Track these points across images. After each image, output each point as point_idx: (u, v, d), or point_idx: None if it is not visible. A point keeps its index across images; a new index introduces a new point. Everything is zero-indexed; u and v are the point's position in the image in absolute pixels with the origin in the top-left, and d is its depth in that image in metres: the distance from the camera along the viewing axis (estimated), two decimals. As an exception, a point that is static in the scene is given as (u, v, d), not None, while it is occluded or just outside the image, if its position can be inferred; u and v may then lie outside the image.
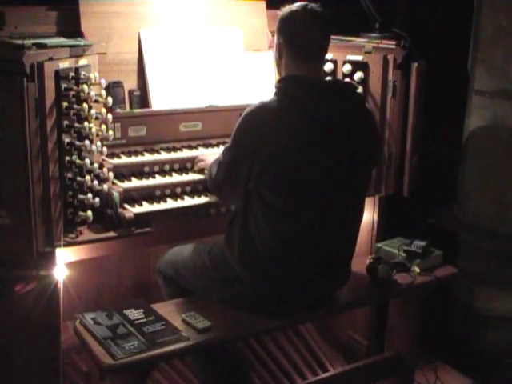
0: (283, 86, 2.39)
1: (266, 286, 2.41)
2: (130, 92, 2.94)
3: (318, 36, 2.41)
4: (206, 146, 3.00)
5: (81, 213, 2.41)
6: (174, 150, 2.92)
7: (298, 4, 2.42)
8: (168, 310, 2.46)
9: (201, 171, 2.79)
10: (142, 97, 2.96)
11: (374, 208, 3.18)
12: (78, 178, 2.40)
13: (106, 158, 2.70)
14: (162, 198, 2.69)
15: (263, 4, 3.32)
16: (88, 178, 2.41)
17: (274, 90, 2.42)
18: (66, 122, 2.34)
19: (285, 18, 2.42)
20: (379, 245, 3.01)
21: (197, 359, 2.64)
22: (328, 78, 2.50)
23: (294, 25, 2.39)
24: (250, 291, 2.42)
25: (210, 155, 2.78)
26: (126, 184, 2.66)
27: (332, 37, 3.15)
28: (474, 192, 3.67)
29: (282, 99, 2.35)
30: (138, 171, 2.76)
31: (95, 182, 2.48)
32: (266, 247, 2.36)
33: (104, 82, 2.55)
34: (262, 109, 2.36)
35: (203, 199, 2.73)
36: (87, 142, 2.41)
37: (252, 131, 2.34)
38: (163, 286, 2.79)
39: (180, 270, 2.67)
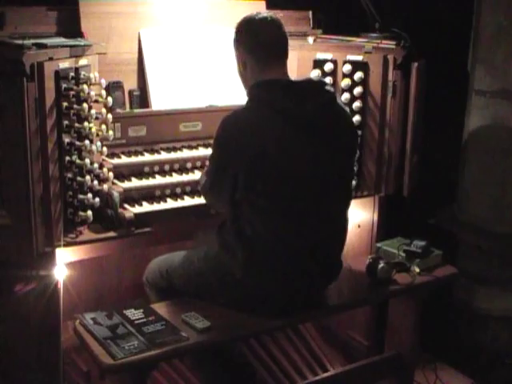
0: (256, 91, 2.41)
1: (268, 286, 2.42)
2: (130, 92, 2.94)
3: (276, 34, 2.44)
4: (206, 146, 3.00)
5: (81, 213, 2.41)
6: (174, 150, 2.92)
7: (245, 16, 2.48)
8: (168, 310, 2.46)
9: None
10: (142, 97, 2.96)
11: (374, 208, 3.18)
12: (78, 178, 2.40)
13: (106, 158, 2.70)
14: (162, 198, 2.69)
15: (263, 4, 3.33)
16: (88, 177, 2.41)
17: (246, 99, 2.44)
18: (66, 122, 2.35)
19: (241, 29, 2.46)
20: (379, 245, 3.01)
21: (201, 360, 2.64)
22: (295, 78, 2.53)
23: (252, 29, 2.43)
24: (251, 294, 2.43)
25: None
26: (126, 184, 2.66)
27: (332, 37, 3.18)
28: (473, 192, 3.67)
29: (257, 104, 2.37)
30: (138, 171, 2.77)
31: (95, 182, 2.48)
32: (267, 249, 2.37)
33: (104, 82, 2.55)
34: (239, 117, 2.37)
35: (203, 199, 2.72)
36: (87, 141, 2.41)
37: (232, 140, 2.35)
38: (154, 296, 2.72)
39: (173, 279, 2.62)
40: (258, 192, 2.33)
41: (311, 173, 2.37)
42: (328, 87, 2.47)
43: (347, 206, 2.55)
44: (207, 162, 2.83)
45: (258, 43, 2.42)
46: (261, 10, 3.31)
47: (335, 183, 2.46)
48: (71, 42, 2.49)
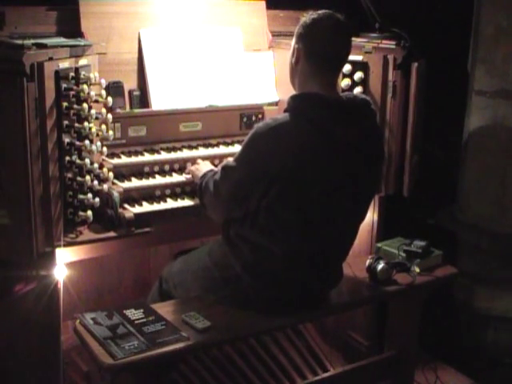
0: (298, 104, 2.34)
1: (269, 288, 2.43)
2: (130, 92, 2.94)
3: (340, 47, 2.36)
4: (206, 146, 3.00)
5: (81, 213, 2.41)
6: (174, 150, 2.92)
7: (322, 12, 2.36)
8: (168, 309, 2.46)
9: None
10: (142, 97, 2.96)
11: (374, 208, 3.17)
12: (78, 178, 2.40)
13: (106, 158, 2.70)
14: (161, 198, 2.69)
15: (263, 4, 3.33)
16: (88, 177, 2.41)
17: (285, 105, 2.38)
18: (66, 122, 2.35)
19: (308, 25, 2.35)
20: (379, 245, 3.01)
21: None
22: (344, 94, 2.47)
23: (317, 34, 2.33)
24: (251, 290, 2.43)
25: (203, 164, 2.78)
26: (126, 184, 2.66)
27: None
28: (473, 192, 3.67)
29: (298, 119, 2.30)
30: (138, 171, 2.77)
31: (95, 182, 2.48)
32: (276, 256, 2.38)
33: (104, 82, 2.55)
34: (278, 129, 2.29)
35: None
36: (87, 141, 2.41)
37: (269, 153, 2.28)
38: (158, 294, 2.74)
39: (187, 281, 2.62)
40: (286, 205, 2.31)
41: (339, 194, 2.37)
42: (372, 107, 2.45)
43: (360, 224, 2.57)
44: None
45: (317, 49, 2.33)
46: (261, 9, 3.32)
47: (357, 207, 2.48)
48: (71, 41, 2.49)
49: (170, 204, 2.68)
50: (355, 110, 2.39)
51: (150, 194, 2.70)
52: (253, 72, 3.23)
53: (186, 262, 2.70)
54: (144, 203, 2.64)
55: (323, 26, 2.33)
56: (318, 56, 2.35)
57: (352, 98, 2.44)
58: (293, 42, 2.43)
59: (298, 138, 2.28)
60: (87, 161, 2.41)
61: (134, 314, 2.40)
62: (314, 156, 2.29)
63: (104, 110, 2.54)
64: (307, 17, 2.38)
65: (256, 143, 2.33)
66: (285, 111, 2.36)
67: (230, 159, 2.45)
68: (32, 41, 2.26)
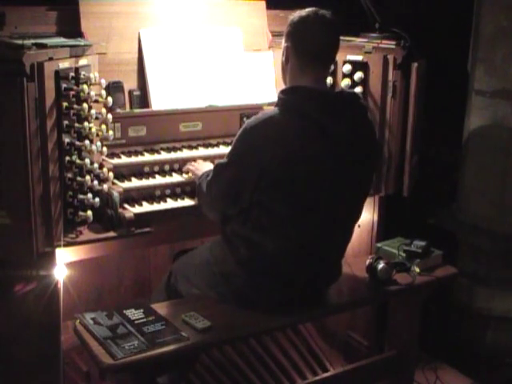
0: (288, 98, 2.35)
1: (264, 285, 2.43)
2: (130, 92, 2.94)
3: (328, 42, 2.38)
4: (206, 146, 3.00)
5: (81, 213, 2.41)
6: (174, 150, 2.92)
7: (308, 9, 2.39)
8: (168, 310, 2.46)
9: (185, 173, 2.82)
10: (142, 97, 2.96)
11: (374, 208, 3.18)
12: (78, 178, 2.40)
13: (106, 158, 2.70)
14: (162, 198, 2.69)
15: (263, 4, 3.33)
16: (88, 177, 2.41)
17: (276, 100, 2.38)
18: (65, 122, 2.35)
19: (295, 23, 2.38)
20: (379, 245, 3.01)
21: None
22: (336, 90, 2.46)
23: (305, 30, 2.36)
24: (248, 287, 2.44)
25: (203, 164, 2.79)
26: (126, 184, 2.66)
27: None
28: (473, 192, 3.67)
29: (287, 111, 2.31)
30: (138, 171, 2.77)
31: (95, 182, 2.48)
32: (269, 252, 2.38)
33: (104, 82, 2.55)
34: (268, 122, 2.31)
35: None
36: (87, 142, 2.41)
37: (260, 146, 2.29)
38: (164, 287, 2.76)
39: (190, 275, 2.63)
40: (277, 199, 2.32)
41: (331, 188, 2.37)
42: (361, 101, 2.46)
43: (356, 221, 2.57)
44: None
45: (304, 45, 2.36)
46: (261, 9, 3.32)
47: (351, 201, 2.48)
48: (71, 41, 2.49)
49: (170, 204, 2.68)
50: (343, 102, 2.40)
51: (150, 194, 2.70)
52: (253, 72, 3.23)
53: (192, 256, 2.72)
54: (144, 203, 2.64)
55: (310, 22, 2.36)
56: (306, 51, 2.37)
57: (340, 91, 2.46)
58: (282, 41, 2.45)
59: (288, 129, 2.29)
60: (87, 161, 2.41)
61: (134, 314, 2.40)
62: (304, 147, 2.29)
63: (104, 110, 2.54)
64: (294, 15, 2.41)
65: (246, 137, 2.34)
66: (275, 106, 2.38)
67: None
68: (32, 41, 2.26)
